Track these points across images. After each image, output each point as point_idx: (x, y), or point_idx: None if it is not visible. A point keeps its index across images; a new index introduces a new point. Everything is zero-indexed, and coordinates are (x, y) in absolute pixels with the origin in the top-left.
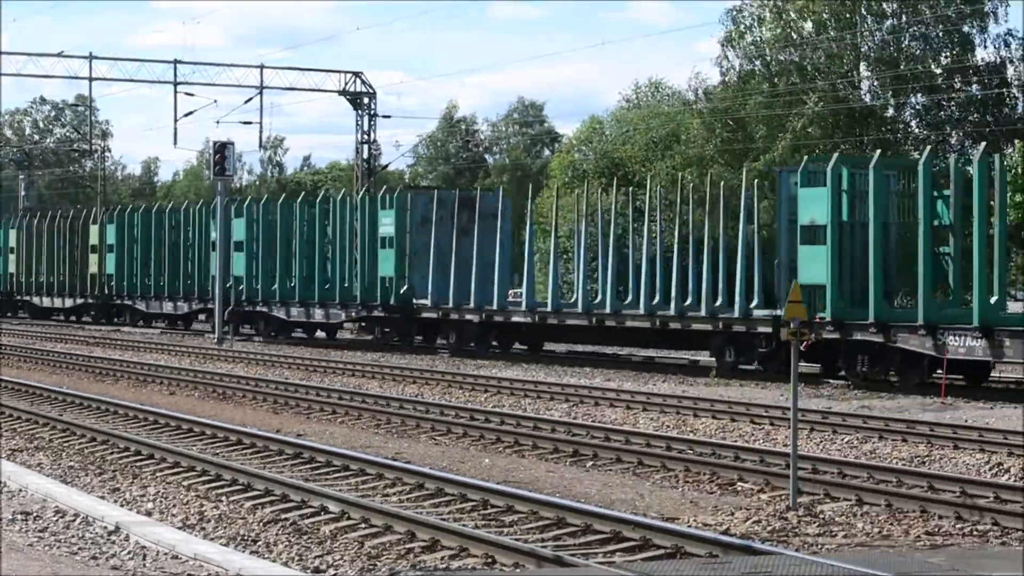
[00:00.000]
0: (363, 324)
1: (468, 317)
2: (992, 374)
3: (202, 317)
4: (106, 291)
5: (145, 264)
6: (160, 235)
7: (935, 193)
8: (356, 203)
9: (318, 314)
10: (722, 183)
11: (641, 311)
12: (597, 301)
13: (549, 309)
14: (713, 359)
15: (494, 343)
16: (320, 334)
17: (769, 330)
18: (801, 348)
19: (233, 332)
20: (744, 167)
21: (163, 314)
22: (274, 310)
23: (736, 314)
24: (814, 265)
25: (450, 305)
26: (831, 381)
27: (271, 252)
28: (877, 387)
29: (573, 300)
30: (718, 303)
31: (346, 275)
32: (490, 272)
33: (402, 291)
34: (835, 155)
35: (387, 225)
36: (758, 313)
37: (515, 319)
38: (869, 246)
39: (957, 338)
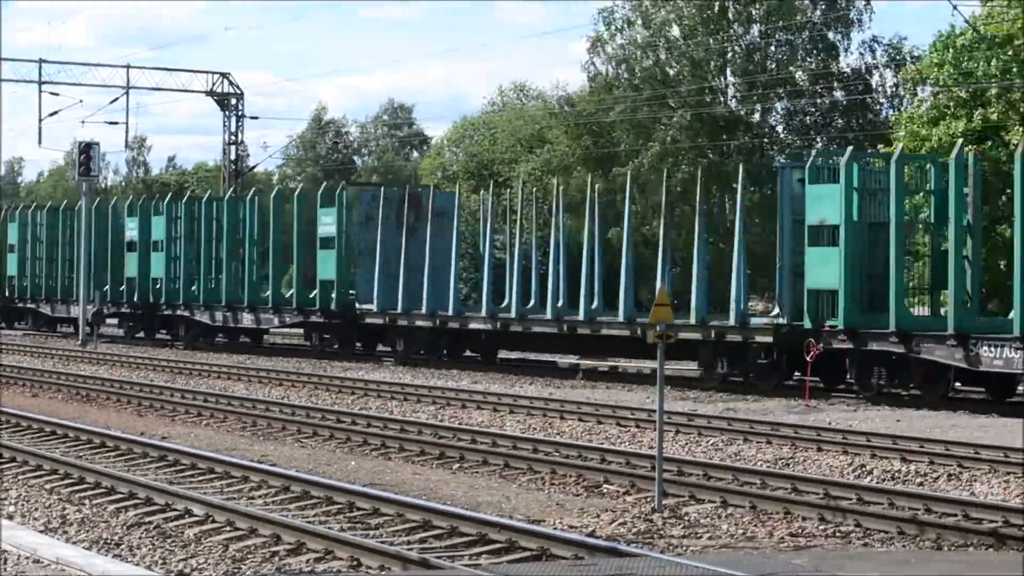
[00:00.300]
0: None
1: (419, 323)
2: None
3: (112, 321)
4: (7, 293)
5: (49, 265)
6: (66, 235)
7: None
8: (294, 200)
9: (247, 319)
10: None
11: (620, 318)
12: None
13: (513, 316)
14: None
15: (444, 351)
16: (245, 339)
17: (769, 339)
18: (808, 359)
19: (111, 334)
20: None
21: (69, 318)
22: (196, 314)
23: (732, 322)
24: (825, 268)
25: (398, 310)
26: (843, 395)
27: (194, 252)
28: (891, 400)
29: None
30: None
31: (281, 277)
32: (443, 275)
33: (344, 295)
34: (848, 149)
35: (328, 224)
36: (756, 321)
37: (473, 326)
38: (890, 248)
39: (993, 349)
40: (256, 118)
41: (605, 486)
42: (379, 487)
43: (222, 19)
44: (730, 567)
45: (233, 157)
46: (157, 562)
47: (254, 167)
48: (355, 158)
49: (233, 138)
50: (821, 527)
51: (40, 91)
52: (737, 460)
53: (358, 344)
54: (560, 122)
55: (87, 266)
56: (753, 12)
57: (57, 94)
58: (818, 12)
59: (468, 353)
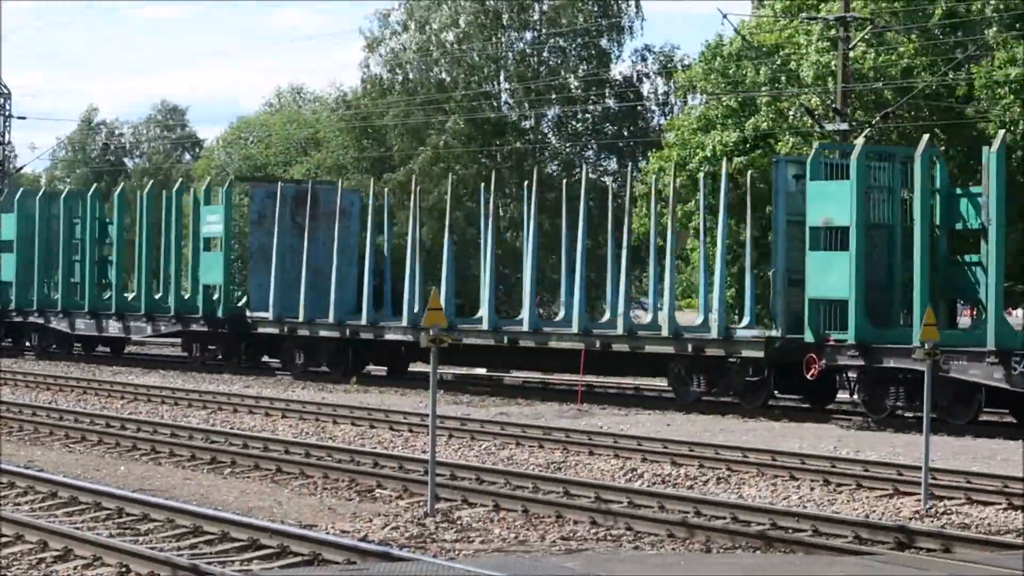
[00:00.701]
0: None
1: (324, 334)
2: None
3: None
4: None
5: None
6: None
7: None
8: (171, 196)
9: (114, 327)
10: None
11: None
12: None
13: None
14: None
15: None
16: (104, 349)
17: (759, 354)
18: (808, 376)
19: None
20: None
21: None
22: (53, 322)
23: (714, 334)
24: (830, 275)
25: (299, 319)
26: (846, 416)
27: (50, 254)
28: (900, 425)
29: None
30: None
31: (154, 282)
32: (350, 281)
33: (233, 302)
34: (859, 142)
35: (214, 223)
36: (743, 334)
37: (390, 337)
38: (915, 253)
39: None
40: (23, 118)
41: (378, 490)
42: (149, 492)
43: None
44: (503, 570)
45: (0, 158)
46: None
47: (21, 168)
48: (125, 160)
49: None
50: (593, 530)
51: None
52: (510, 464)
53: (244, 356)
54: (335, 122)
55: None
56: (527, 18)
57: None
58: (581, 18)
59: (372, 368)
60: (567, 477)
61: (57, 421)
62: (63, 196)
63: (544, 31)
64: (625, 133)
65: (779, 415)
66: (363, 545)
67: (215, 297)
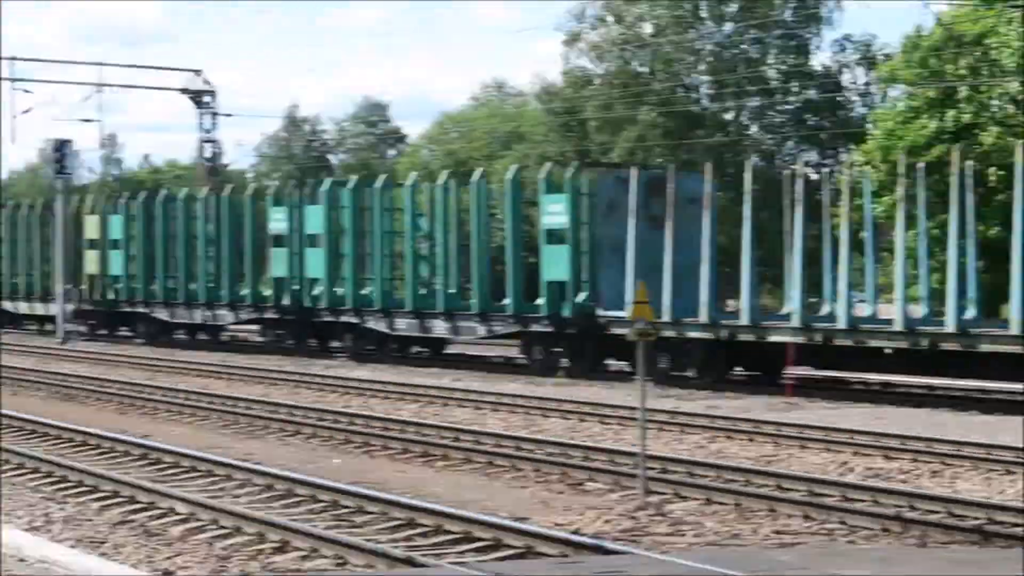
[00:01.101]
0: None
1: (694, 335)
2: None
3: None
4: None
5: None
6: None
7: None
8: (506, 185)
9: (440, 328)
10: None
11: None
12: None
13: (843, 326)
14: None
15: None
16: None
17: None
18: None
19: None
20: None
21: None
22: (370, 322)
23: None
24: None
25: (663, 319)
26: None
27: (362, 249)
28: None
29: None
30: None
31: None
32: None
33: (580, 299)
34: None
35: (557, 214)
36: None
37: (774, 339)
38: None
39: None
40: (230, 115)
41: (589, 484)
42: (363, 485)
43: (195, 16)
44: (717, 564)
45: (208, 155)
46: (142, 561)
47: (228, 164)
48: (328, 156)
49: (207, 135)
50: (806, 524)
51: (12, 89)
52: (720, 457)
53: (615, 359)
54: (539, 115)
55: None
56: (725, 10)
57: (29, 91)
58: (788, 12)
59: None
60: (779, 471)
61: (272, 414)
62: (379, 186)
63: (741, 23)
64: (826, 124)
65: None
66: (576, 538)
67: (560, 295)
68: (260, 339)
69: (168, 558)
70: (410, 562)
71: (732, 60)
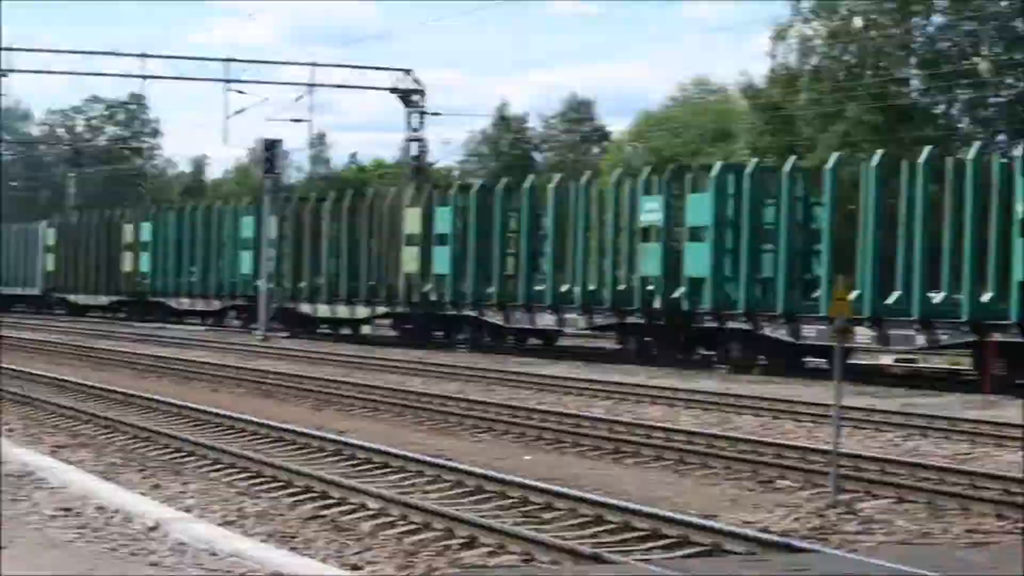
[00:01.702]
0: None
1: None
2: None
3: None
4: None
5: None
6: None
7: None
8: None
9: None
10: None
11: None
12: None
13: None
14: None
15: None
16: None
17: None
18: None
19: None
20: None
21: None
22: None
23: None
24: None
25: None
26: None
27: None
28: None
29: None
30: None
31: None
32: None
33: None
34: None
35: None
36: None
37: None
38: None
39: None
40: (438, 114)
41: (779, 481)
42: (553, 482)
43: (405, 16)
44: (907, 563)
45: (415, 153)
46: (331, 555)
47: (434, 163)
48: (532, 154)
49: (415, 134)
50: (999, 524)
51: (226, 90)
52: (914, 455)
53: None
54: (745, 116)
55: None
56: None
57: (243, 92)
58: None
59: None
60: (973, 469)
61: (466, 411)
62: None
63: (952, 16)
64: None
65: None
66: (764, 536)
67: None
68: (617, 346)
69: (357, 553)
70: (596, 559)
71: (944, 52)
